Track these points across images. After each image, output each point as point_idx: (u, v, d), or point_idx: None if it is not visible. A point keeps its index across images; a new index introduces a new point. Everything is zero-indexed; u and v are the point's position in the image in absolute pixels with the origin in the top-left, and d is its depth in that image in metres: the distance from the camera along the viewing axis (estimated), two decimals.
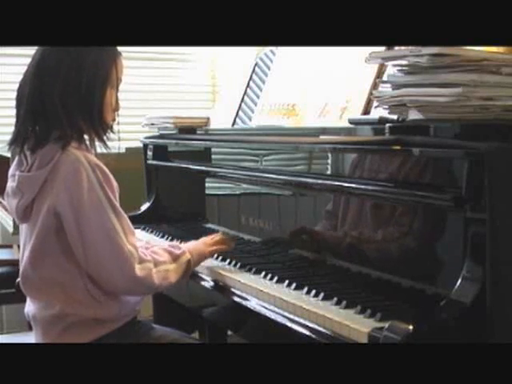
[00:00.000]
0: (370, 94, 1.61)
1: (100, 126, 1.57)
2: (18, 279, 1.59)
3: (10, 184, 1.58)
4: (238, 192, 2.00)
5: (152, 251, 1.57)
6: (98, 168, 1.50)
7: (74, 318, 1.52)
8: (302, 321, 1.31)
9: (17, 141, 1.56)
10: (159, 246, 1.65)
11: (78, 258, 1.50)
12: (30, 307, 1.60)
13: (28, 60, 1.59)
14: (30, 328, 1.66)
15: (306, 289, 1.41)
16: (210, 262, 1.73)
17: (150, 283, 1.51)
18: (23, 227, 1.60)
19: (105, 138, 1.58)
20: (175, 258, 1.59)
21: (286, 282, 1.48)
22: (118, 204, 1.52)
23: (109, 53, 1.57)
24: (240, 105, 2.25)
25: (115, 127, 1.62)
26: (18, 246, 1.65)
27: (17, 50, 2.95)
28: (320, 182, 1.56)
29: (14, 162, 1.59)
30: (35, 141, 1.53)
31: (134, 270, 1.48)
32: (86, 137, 1.57)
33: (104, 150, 1.60)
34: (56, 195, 1.48)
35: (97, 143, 1.58)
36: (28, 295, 1.60)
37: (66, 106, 1.51)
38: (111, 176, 1.53)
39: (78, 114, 1.53)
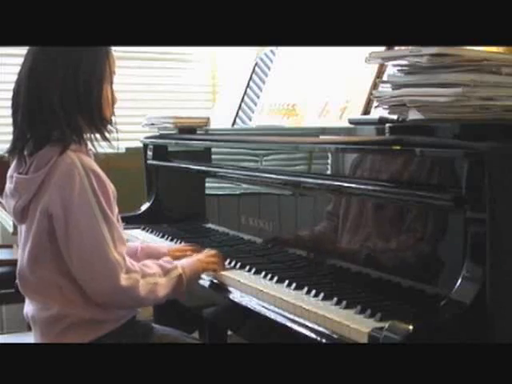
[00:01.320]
0: (370, 94, 1.61)
1: (101, 122, 1.57)
2: None
3: (8, 185, 1.57)
4: (238, 192, 2.00)
5: (142, 263, 1.56)
6: (93, 173, 1.49)
7: (73, 318, 1.51)
8: (302, 321, 1.31)
9: (16, 148, 1.56)
10: (152, 260, 1.63)
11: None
12: (28, 307, 1.59)
13: None
14: (30, 328, 1.65)
15: (305, 289, 1.41)
16: None
17: (135, 294, 1.49)
18: (21, 228, 1.60)
19: (106, 134, 1.58)
20: (166, 272, 1.57)
21: (286, 282, 1.48)
22: (110, 212, 1.49)
23: (102, 50, 1.57)
24: (240, 105, 2.25)
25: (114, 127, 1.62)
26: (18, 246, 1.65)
27: (17, 49, 2.95)
28: (320, 181, 1.56)
29: (13, 163, 1.59)
30: (34, 144, 1.52)
31: (119, 279, 1.46)
32: (86, 137, 1.56)
33: (104, 150, 1.60)
34: (49, 196, 1.48)
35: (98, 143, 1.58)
36: (26, 296, 1.60)
37: (65, 107, 1.51)
38: (107, 181, 1.51)
39: (77, 114, 1.53)
